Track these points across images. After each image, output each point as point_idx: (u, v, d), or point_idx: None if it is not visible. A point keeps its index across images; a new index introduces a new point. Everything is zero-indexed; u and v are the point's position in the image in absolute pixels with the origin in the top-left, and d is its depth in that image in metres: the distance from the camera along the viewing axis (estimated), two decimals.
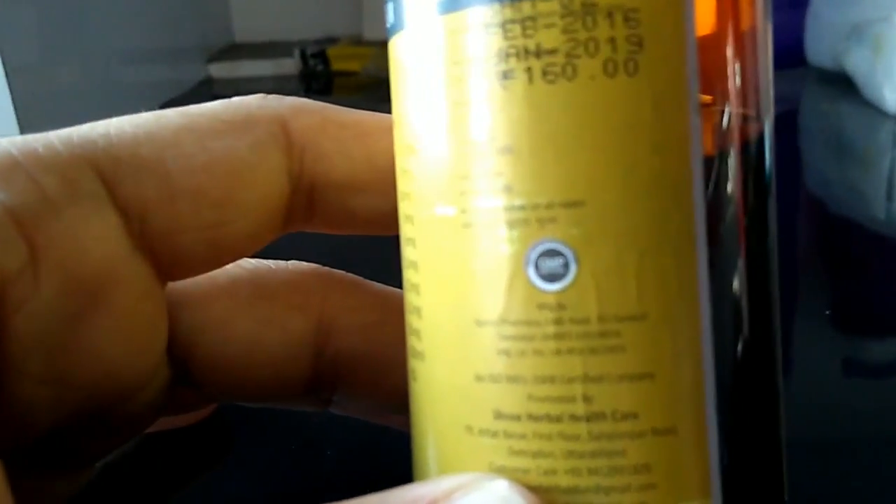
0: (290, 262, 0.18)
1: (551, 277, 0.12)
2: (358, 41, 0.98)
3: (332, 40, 0.97)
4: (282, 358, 0.17)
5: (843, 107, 0.63)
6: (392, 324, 0.17)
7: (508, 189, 0.12)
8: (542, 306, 0.12)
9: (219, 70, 0.92)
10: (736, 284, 0.13)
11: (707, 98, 0.12)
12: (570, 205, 0.12)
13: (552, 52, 0.12)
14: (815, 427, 0.25)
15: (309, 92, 0.82)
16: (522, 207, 0.12)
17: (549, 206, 0.12)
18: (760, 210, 0.14)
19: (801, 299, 0.34)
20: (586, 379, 0.12)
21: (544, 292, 0.12)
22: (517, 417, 0.13)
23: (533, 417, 0.12)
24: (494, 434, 0.13)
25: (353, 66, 0.88)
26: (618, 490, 0.12)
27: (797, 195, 0.47)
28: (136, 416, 0.17)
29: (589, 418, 0.12)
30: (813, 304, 0.34)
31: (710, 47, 0.13)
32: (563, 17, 0.12)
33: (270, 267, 0.18)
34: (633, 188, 0.12)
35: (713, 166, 0.13)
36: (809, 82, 0.72)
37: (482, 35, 0.12)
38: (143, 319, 0.15)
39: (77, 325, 0.14)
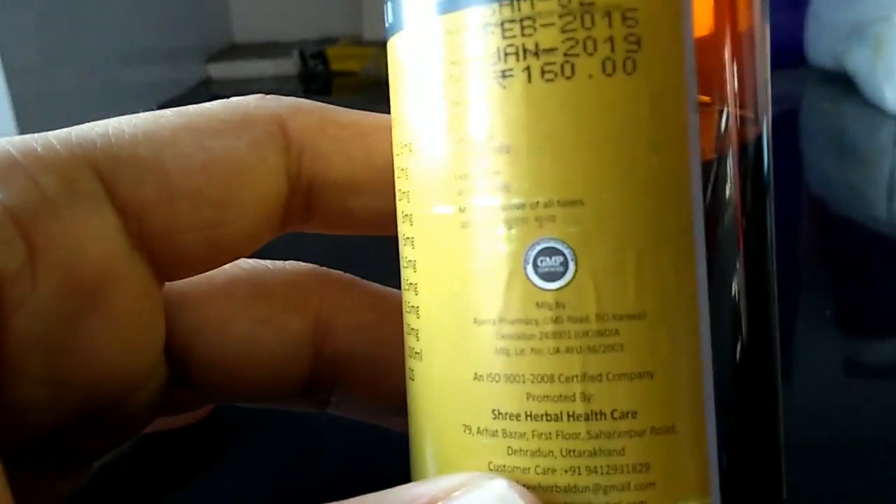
0: (288, 262, 0.18)
1: (550, 276, 0.12)
2: (357, 41, 0.98)
3: (332, 40, 0.97)
4: (279, 358, 0.17)
5: (843, 107, 0.63)
6: (390, 324, 0.17)
7: (507, 188, 0.12)
8: (540, 305, 0.12)
9: (218, 70, 0.91)
10: (734, 283, 0.13)
11: (705, 98, 0.12)
12: (569, 203, 0.12)
13: (550, 51, 0.12)
14: (815, 428, 0.25)
15: (308, 92, 0.82)
16: (521, 206, 0.12)
17: (548, 204, 0.12)
18: (759, 209, 0.14)
19: (802, 300, 0.34)
20: (585, 378, 0.12)
21: (543, 291, 0.12)
22: (516, 416, 0.13)
23: (531, 416, 0.12)
24: (493, 433, 0.13)
25: (352, 66, 0.88)
26: (616, 489, 0.12)
27: (798, 195, 0.47)
28: (134, 416, 0.17)
29: (588, 417, 0.12)
30: (814, 304, 0.34)
31: (708, 47, 0.13)
32: (561, 16, 0.12)
33: (268, 267, 0.18)
34: (631, 187, 0.12)
35: (711, 165, 0.13)
36: (810, 82, 0.72)
37: (480, 35, 0.12)
38: (141, 319, 0.15)
39: (75, 324, 0.14)
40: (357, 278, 0.18)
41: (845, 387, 0.28)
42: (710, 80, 0.13)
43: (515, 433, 0.13)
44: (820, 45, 0.70)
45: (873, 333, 0.32)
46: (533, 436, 0.12)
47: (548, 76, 0.12)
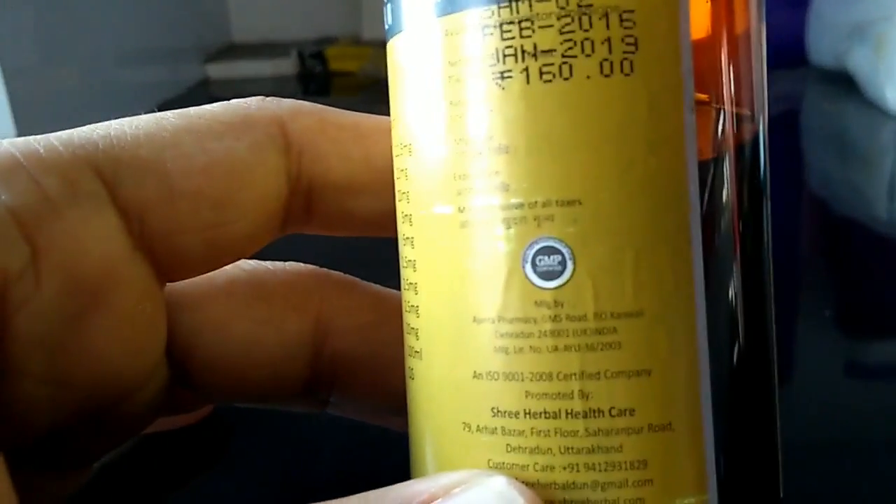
0: (288, 263, 0.18)
1: (548, 275, 0.12)
2: (356, 41, 0.98)
3: (330, 40, 0.97)
4: (280, 358, 0.17)
5: (844, 106, 0.63)
6: (389, 324, 0.17)
7: (506, 188, 0.12)
8: (539, 303, 0.12)
9: (216, 71, 0.91)
10: (732, 282, 0.13)
11: (702, 97, 0.13)
12: (567, 203, 0.12)
13: (549, 52, 0.12)
14: (816, 428, 0.25)
15: (307, 93, 0.82)
16: (520, 206, 0.12)
17: (546, 204, 0.12)
18: (755, 208, 0.14)
19: (802, 300, 0.34)
20: (583, 376, 0.12)
21: (541, 289, 0.12)
22: (515, 414, 0.13)
23: (530, 414, 0.13)
24: (492, 431, 0.13)
25: (351, 66, 0.88)
26: (615, 485, 0.12)
27: (798, 195, 0.47)
28: (135, 416, 0.17)
29: (586, 414, 0.12)
30: (814, 304, 0.34)
31: (705, 48, 0.13)
32: (559, 18, 0.12)
33: (268, 268, 0.18)
34: (628, 186, 0.12)
35: (708, 165, 0.13)
36: (811, 82, 0.72)
37: (479, 36, 0.13)
38: (143, 320, 0.15)
39: (77, 325, 0.14)
40: (357, 279, 0.19)
41: (845, 387, 0.28)
42: (706, 80, 0.13)
43: (514, 431, 0.13)
44: (821, 45, 0.70)
45: (873, 334, 0.32)
46: (532, 433, 0.13)
47: (546, 77, 0.12)
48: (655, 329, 0.12)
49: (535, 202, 0.12)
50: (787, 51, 0.71)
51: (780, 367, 0.14)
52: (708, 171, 0.13)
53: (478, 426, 0.13)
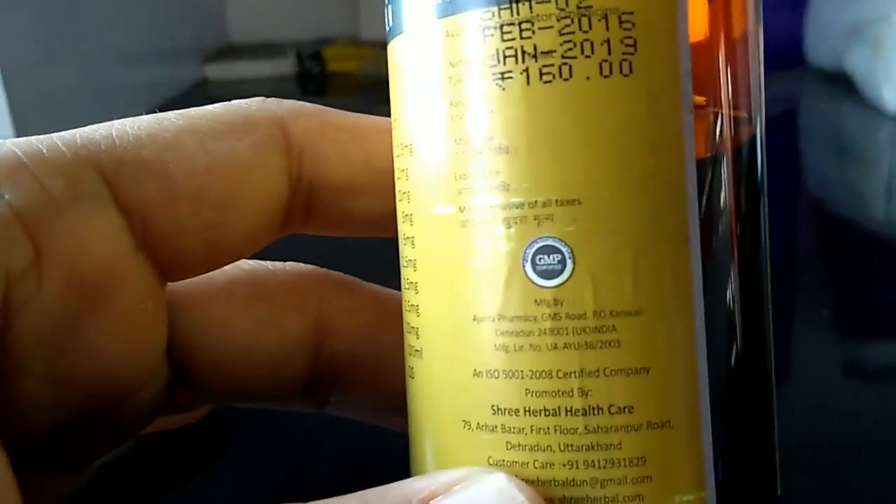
0: (287, 263, 0.18)
1: (548, 274, 0.12)
2: (354, 41, 0.98)
3: (328, 41, 0.96)
4: (279, 358, 0.18)
5: (842, 107, 0.63)
6: (389, 324, 0.17)
7: (506, 187, 0.13)
8: (539, 302, 0.12)
9: (214, 71, 0.91)
10: (729, 280, 0.13)
11: (700, 100, 0.13)
12: (567, 203, 0.12)
13: (549, 53, 0.12)
14: (813, 428, 0.25)
15: (305, 93, 0.82)
16: (520, 205, 0.13)
17: (546, 203, 0.12)
18: (753, 208, 0.14)
19: (800, 300, 0.34)
20: (583, 373, 0.12)
21: (541, 288, 0.12)
22: (515, 412, 0.13)
23: (530, 412, 0.13)
24: (492, 429, 0.13)
25: (349, 66, 0.88)
26: (614, 482, 0.12)
27: (796, 195, 0.47)
28: (135, 415, 0.17)
29: (585, 412, 0.12)
30: (812, 304, 0.34)
31: (703, 50, 0.13)
32: (559, 19, 0.12)
33: (268, 268, 0.18)
34: (628, 186, 0.12)
35: (706, 165, 0.13)
36: (809, 82, 0.72)
37: (480, 37, 0.13)
38: (144, 319, 0.16)
39: (79, 324, 0.14)
40: (356, 279, 0.19)
41: (843, 387, 0.28)
42: (704, 83, 0.13)
43: (514, 428, 0.13)
44: (819, 46, 0.70)
45: (871, 333, 0.32)
46: (531, 431, 0.13)
47: (546, 78, 0.12)
48: (654, 327, 0.12)
49: (536, 202, 0.12)
50: (785, 51, 0.71)
51: (778, 366, 0.15)
52: (706, 171, 0.13)
53: (478, 424, 0.13)
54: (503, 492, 0.12)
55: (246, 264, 0.18)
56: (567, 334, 0.12)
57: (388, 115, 0.16)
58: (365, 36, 1.00)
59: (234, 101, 0.16)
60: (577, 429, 0.12)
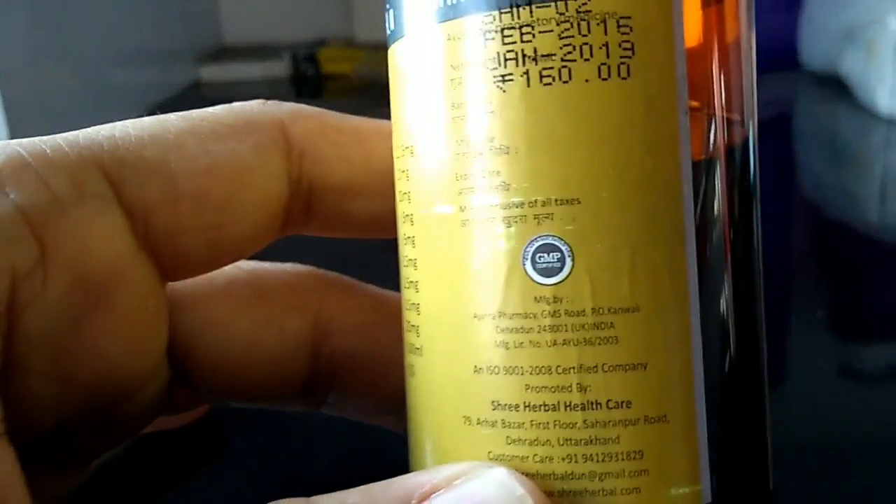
0: (287, 264, 0.18)
1: (547, 272, 0.13)
2: (349, 43, 0.97)
3: (323, 42, 0.96)
4: (279, 358, 0.18)
5: (836, 109, 0.64)
6: (387, 325, 0.17)
7: (506, 187, 0.13)
8: (538, 299, 0.13)
9: (208, 73, 0.91)
10: (724, 279, 0.14)
11: (695, 103, 0.13)
12: (566, 202, 0.13)
13: (548, 56, 0.13)
14: (807, 430, 0.25)
15: (299, 95, 0.82)
16: (520, 205, 0.13)
17: (546, 203, 0.13)
18: (746, 208, 0.14)
19: (794, 302, 0.34)
20: (581, 369, 0.13)
21: (541, 286, 0.13)
22: (515, 407, 0.13)
23: (530, 407, 0.13)
24: (492, 424, 0.13)
25: (344, 68, 0.88)
26: (612, 475, 0.13)
27: (790, 198, 0.48)
28: (136, 415, 0.17)
29: (584, 407, 0.13)
30: (806, 306, 0.34)
31: (698, 54, 0.13)
32: (559, 23, 0.12)
33: (268, 269, 0.18)
34: (626, 186, 0.13)
35: (701, 166, 0.13)
36: (803, 85, 0.72)
37: (481, 40, 0.13)
38: (146, 319, 0.16)
39: (82, 322, 0.15)
40: (355, 280, 0.19)
41: (837, 388, 0.28)
42: (699, 85, 0.13)
43: (514, 423, 0.13)
44: (813, 49, 0.71)
45: (865, 335, 0.33)
46: (531, 425, 0.13)
47: (546, 80, 0.13)
48: (651, 324, 0.13)
49: (535, 201, 0.13)
50: (780, 54, 0.71)
51: (773, 367, 0.15)
52: (701, 172, 0.13)
53: (478, 419, 0.13)
54: (504, 485, 0.13)
55: (246, 265, 0.18)
56: (566, 331, 0.13)
57: (384, 116, 0.16)
58: (360, 38, 0.99)
59: (236, 104, 0.16)
60: (576, 423, 0.13)
